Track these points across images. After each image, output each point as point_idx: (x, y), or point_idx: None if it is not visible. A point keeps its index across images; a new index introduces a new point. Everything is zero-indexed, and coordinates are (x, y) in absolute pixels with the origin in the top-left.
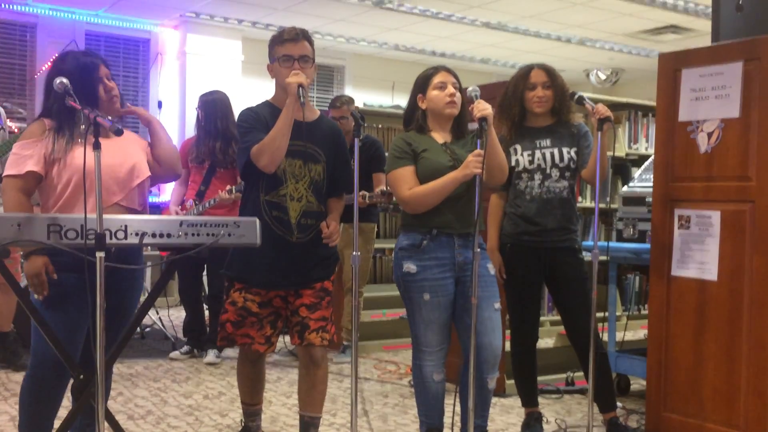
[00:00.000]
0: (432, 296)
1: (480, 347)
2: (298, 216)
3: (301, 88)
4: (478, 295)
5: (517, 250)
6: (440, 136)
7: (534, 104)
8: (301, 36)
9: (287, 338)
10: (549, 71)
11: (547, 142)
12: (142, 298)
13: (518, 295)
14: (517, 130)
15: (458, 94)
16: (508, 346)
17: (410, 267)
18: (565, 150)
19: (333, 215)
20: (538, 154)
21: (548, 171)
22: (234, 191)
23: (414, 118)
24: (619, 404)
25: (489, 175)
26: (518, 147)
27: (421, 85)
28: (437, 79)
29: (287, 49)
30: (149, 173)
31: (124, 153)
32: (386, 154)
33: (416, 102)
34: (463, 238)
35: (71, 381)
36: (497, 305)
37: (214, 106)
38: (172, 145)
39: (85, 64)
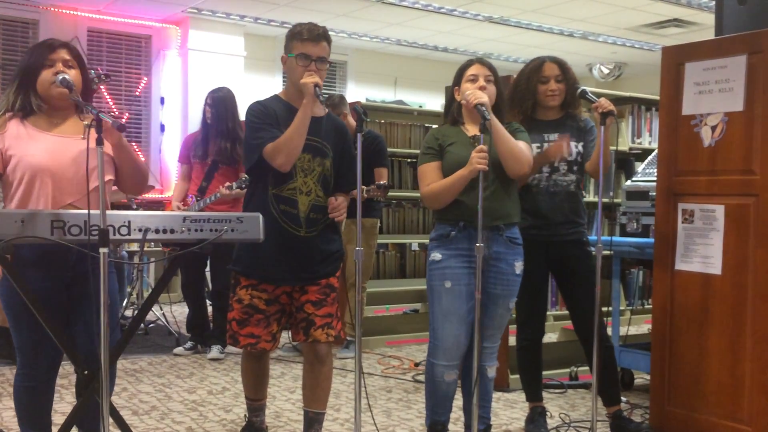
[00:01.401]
0: (453, 284)
1: (483, 338)
2: (307, 210)
3: (317, 88)
4: (498, 292)
5: (524, 244)
6: (473, 129)
7: (547, 98)
8: (322, 37)
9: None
10: (561, 64)
11: (556, 135)
12: (145, 294)
13: (525, 289)
14: (528, 122)
15: (491, 87)
16: (513, 340)
17: (436, 255)
18: (572, 143)
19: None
20: (546, 147)
21: (556, 164)
22: (234, 187)
23: (450, 110)
24: (623, 399)
25: (505, 165)
26: None
27: (457, 77)
28: (470, 72)
29: (306, 48)
30: (110, 177)
31: (84, 155)
32: (387, 149)
33: (453, 94)
34: (490, 231)
35: (69, 377)
36: (512, 304)
37: (224, 105)
38: (134, 171)
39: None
